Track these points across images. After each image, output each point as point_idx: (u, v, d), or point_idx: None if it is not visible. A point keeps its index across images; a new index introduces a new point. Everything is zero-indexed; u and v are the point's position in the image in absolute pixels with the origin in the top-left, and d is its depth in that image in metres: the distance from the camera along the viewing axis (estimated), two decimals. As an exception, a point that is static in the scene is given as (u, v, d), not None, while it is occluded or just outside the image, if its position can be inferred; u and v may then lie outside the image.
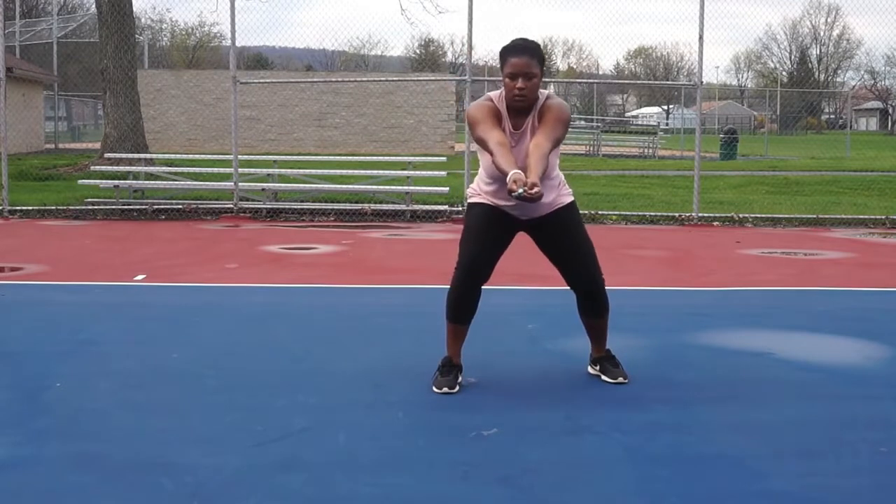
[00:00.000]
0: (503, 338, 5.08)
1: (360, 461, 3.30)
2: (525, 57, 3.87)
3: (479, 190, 4.18)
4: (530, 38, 4.02)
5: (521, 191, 3.51)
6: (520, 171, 3.60)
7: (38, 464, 3.26)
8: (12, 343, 5.03)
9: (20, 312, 5.87)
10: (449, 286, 4.17)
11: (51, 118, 31.42)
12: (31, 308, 6.02)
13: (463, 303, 4.14)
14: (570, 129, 4.45)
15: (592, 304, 4.24)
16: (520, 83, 3.87)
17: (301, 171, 12.47)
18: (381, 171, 12.55)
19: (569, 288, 4.26)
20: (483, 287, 4.14)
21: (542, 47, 4.06)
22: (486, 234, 4.10)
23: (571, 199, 4.19)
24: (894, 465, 3.32)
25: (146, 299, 6.39)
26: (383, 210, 11.47)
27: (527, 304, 6.12)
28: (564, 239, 4.14)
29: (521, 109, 3.98)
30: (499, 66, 3.99)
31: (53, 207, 11.62)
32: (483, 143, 3.87)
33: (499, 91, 4.04)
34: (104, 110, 17.16)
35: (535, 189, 3.51)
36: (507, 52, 3.93)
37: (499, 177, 3.94)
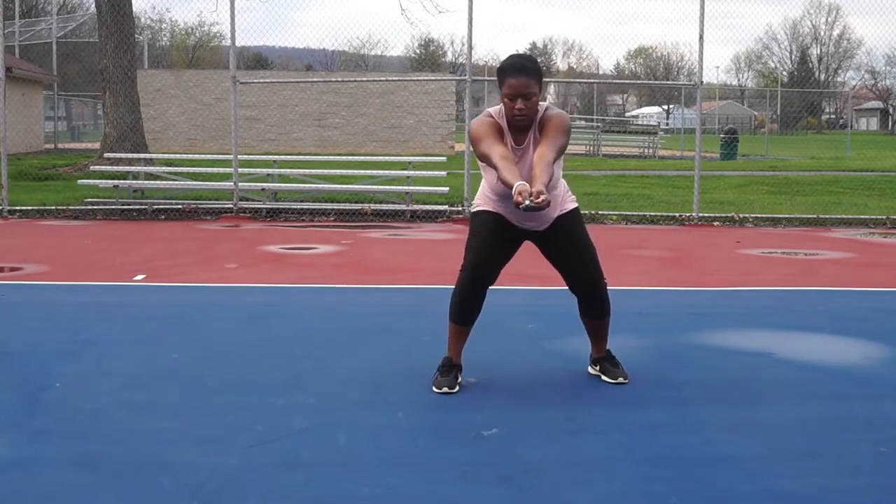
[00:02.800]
0: (503, 338, 5.08)
1: (360, 461, 3.30)
2: (522, 77, 3.83)
3: (484, 201, 4.17)
4: (525, 52, 3.99)
5: (527, 202, 3.48)
6: (524, 183, 3.58)
7: (38, 464, 3.26)
8: (12, 343, 5.02)
9: (20, 312, 5.87)
10: (454, 287, 4.18)
11: (50, 118, 31.43)
12: (31, 308, 6.02)
13: (467, 305, 4.15)
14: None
15: (592, 306, 4.26)
16: (519, 104, 3.85)
17: (301, 171, 12.46)
18: (381, 171, 12.54)
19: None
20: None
21: (537, 61, 4.02)
22: (493, 237, 4.11)
23: (575, 205, 4.20)
24: (894, 465, 3.32)
25: (146, 299, 6.39)
26: (383, 210, 11.47)
27: (527, 304, 6.12)
28: (565, 244, 4.15)
29: (521, 126, 3.97)
30: (497, 83, 3.95)
31: (53, 207, 11.62)
32: (487, 159, 3.83)
33: (499, 107, 4.01)
34: (104, 110, 17.16)
35: (542, 197, 3.48)
36: (503, 73, 3.88)
37: (504, 192, 3.92)
